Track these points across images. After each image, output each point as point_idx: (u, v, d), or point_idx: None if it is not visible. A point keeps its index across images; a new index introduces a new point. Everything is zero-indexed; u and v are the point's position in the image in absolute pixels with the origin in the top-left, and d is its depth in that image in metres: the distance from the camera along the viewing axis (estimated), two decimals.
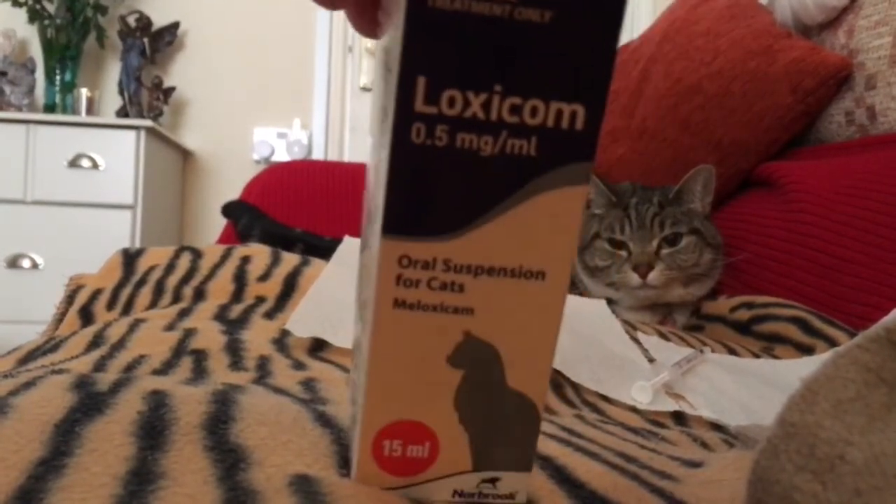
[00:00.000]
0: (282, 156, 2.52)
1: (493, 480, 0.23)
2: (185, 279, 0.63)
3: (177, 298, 0.61)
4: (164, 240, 2.34)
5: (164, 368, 0.41)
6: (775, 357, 0.68)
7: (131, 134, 2.10)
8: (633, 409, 0.48)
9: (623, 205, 0.87)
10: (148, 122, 2.10)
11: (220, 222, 2.37)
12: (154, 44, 2.41)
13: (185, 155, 2.52)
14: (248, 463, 0.23)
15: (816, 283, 0.81)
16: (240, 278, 0.63)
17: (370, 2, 0.24)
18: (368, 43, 2.63)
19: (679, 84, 1.11)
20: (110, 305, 0.62)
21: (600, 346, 0.58)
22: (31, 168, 2.06)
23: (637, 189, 0.90)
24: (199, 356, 0.44)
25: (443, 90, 0.19)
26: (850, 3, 1.03)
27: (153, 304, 0.61)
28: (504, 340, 0.22)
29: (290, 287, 0.61)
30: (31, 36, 2.41)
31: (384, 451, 0.22)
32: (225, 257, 0.66)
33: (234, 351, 0.45)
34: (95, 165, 2.07)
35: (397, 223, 0.20)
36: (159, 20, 2.46)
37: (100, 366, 0.41)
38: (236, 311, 0.56)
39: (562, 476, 0.26)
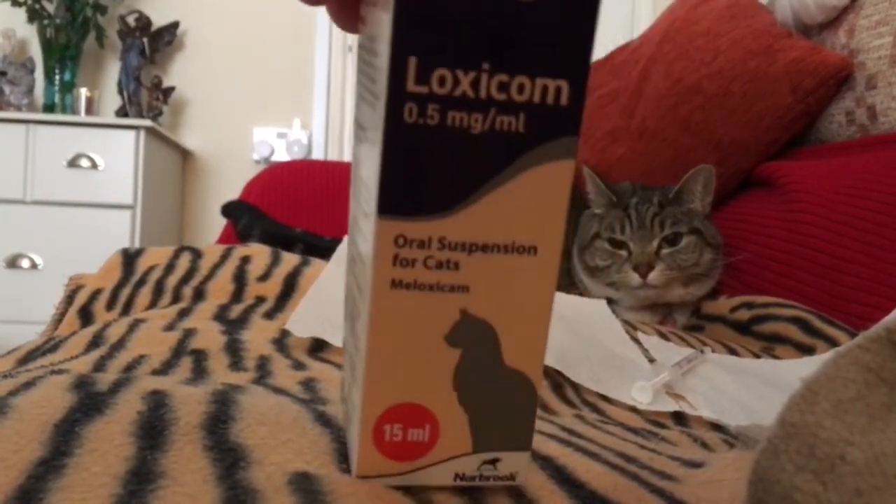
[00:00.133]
0: (282, 156, 2.52)
1: (494, 462, 0.23)
2: (185, 279, 0.63)
3: (176, 298, 0.61)
4: (163, 240, 2.34)
5: (164, 368, 0.41)
6: (775, 357, 0.68)
7: (131, 134, 2.10)
8: (633, 410, 0.48)
9: (623, 205, 0.87)
10: (147, 122, 2.10)
11: (220, 222, 2.37)
12: (154, 43, 2.41)
13: (185, 155, 2.52)
14: (247, 462, 0.23)
15: (816, 283, 0.81)
16: (240, 278, 0.62)
17: None
18: None
19: (679, 84, 1.11)
20: (110, 305, 0.62)
21: (600, 346, 0.58)
22: (31, 168, 2.06)
23: (637, 189, 0.90)
24: (199, 356, 0.44)
25: (433, 70, 0.19)
26: (851, 2, 1.03)
27: (153, 305, 0.61)
28: (499, 317, 0.22)
29: (290, 287, 0.61)
30: (30, 36, 2.41)
31: (385, 436, 0.22)
32: (225, 257, 0.66)
33: (234, 351, 0.45)
34: (95, 165, 2.07)
35: (392, 203, 0.20)
36: (159, 20, 2.46)
37: (99, 366, 0.41)
38: (236, 311, 0.56)
39: (562, 476, 0.26)
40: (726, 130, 1.06)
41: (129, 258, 0.67)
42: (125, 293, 0.62)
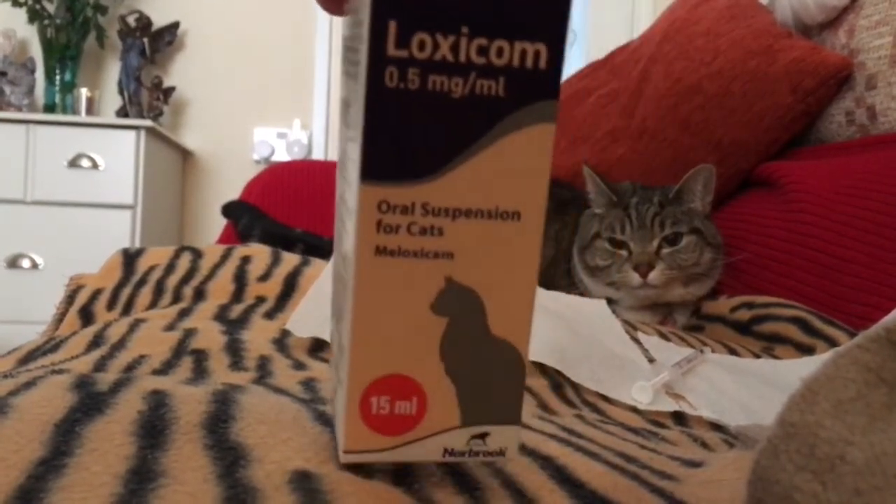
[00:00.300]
0: (282, 156, 2.52)
1: (483, 436, 0.23)
2: (186, 279, 0.63)
3: (177, 298, 0.61)
4: (164, 240, 2.34)
5: (165, 368, 0.41)
6: (775, 357, 0.68)
7: (131, 134, 2.10)
8: (634, 409, 0.48)
9: (623, 204, 0.87)
10: (148, 122, 2.10)
11: (220, 222, 2.37)
12: (154, 44, 2.41)
13: (185, 155, 2.52)
14: (247, 460, 0.23)
15: (816, 283, 0.81)
16: (240, 278, 0.63)
17: None
18: None
19: (679, 84, 1.11)
20: (110, 305, 0.62)
21: (600, 346, 0.58)
22: (31, 168, 2.06)
23: (637, 189, 0.90)
24: (200, 356, 0.44)
25: (413, 33, 0.20)
26: (851, 2, 1.03)
27: (153, 304, 0.61)
28: (484, 285, 0.22)
29: (290, 287, 0.61)
30: (30, 36, 2.41)
31: (372, 409, 0.22)
32: (225, 257, 0.66)
33: (235, 351, 0.45)
34: (95, 165, 2.07)
35: (375, 168, 0.20)
36: (159, 20, 2.46)
37: (100, 366, 0.41)
38: (236, 311, 0.56)
39: (562, 476, 0.26)
40: (726, 130, 1.06)
41: (130, 258, 0.67)
42: (126, 293, 0.62)
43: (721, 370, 0.58)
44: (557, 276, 0.99)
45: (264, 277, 0.62)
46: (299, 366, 0.43)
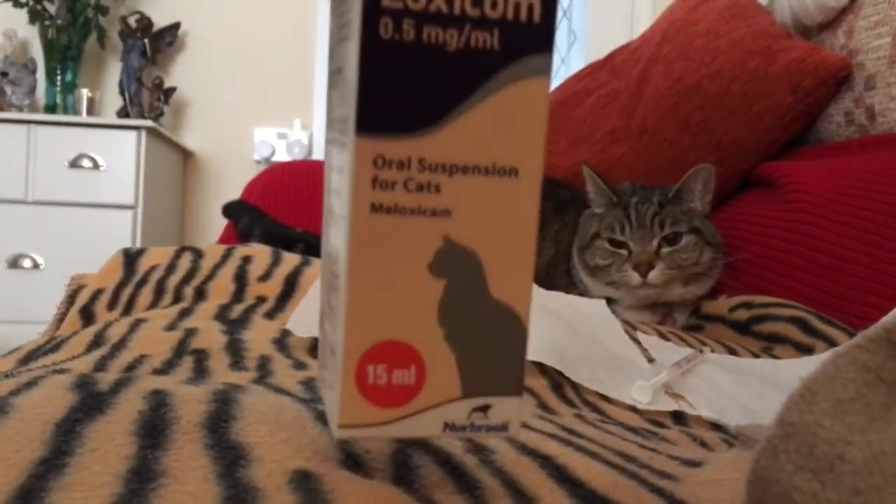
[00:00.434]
0: (282, 156, 2.52)
1: (485, 409, 0.22)
2: (186, 279, 0.63)
3: (178, 298, 0.61)
4: (164, 240, 2.34)
5: (165, 368, 0.41)
6: (775, 357, 0.68)
7: (132, 134, 2.10)
8: (633, 409, 0.48)
9: (623, 204, 0.88)
10: (148, 123, 2.11)
11: (221, 222, 2.37)
12: (155, 44, 2.41)
13: (186, 155, 2.52)
14: (248, 460, 0.23)
15: (816, 283, 0.81)
16: (240, 278, 0.63)
17: None
18: None
19: (679, 84, 1.11)
20: (111, 305, 0.62)
21: (600, 346, 0.58)
22: (32, 168, 2.06)
23: (637, 189, 0.91)
24: (200, 356, 0.44)
25: None
26: (850, 3, 1.03)
27: (154, 304, 0.61)
28: (483, 244, 0.21)
29: (290, 287, 0.61)
30: (31, 36, 2.41)
31: (368, 378, 0.21)
32: (226, 257, 0.66)
33: (235, 351, 0.45)
34: (96, 166, 2.08)
35: (370, 120, 0.20)
36: (160, 21, 2.46)
37: (101, 365, 0.41)
38: (237, 310, 0.56)
39: (562, 475, 0.26)
40: (726, 130, 1.06)
41: (131, 258, 0.67)
42: (126, 293, 0.63)
43: (720, 370, 0.58)
44: (557, 276, 0.99)
45: (265, 277, 0.62)
46: (299, 365, 0.43)
